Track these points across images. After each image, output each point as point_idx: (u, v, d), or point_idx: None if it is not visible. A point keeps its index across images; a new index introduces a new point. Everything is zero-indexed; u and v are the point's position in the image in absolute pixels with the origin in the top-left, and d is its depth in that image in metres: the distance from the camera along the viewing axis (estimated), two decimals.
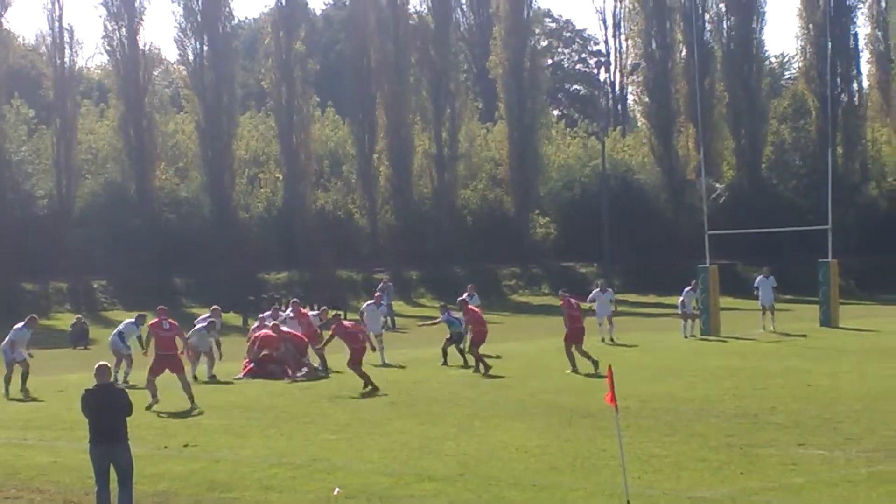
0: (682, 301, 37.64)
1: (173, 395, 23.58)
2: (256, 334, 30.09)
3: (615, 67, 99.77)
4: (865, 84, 69.91)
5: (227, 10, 62.51)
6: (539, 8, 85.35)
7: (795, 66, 79.69)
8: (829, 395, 22.56)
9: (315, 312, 32.66)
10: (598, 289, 37.12)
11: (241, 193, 62.96)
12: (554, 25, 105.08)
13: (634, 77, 77.34)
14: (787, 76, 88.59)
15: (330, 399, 24.09)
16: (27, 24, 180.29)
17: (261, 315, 33.34)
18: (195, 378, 27.86)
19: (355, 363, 25.59)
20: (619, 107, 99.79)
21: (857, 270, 57.85)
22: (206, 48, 61.63)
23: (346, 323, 27.27)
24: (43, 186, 58.64)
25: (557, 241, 67.56)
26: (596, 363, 27.40)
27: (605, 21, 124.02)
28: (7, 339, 27.65)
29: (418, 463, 16.68)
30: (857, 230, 60.66)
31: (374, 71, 64.16)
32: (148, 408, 22.68)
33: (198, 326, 29.28)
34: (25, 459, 18.12)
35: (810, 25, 66.49)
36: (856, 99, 68.45)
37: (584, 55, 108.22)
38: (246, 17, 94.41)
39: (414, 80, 65.38)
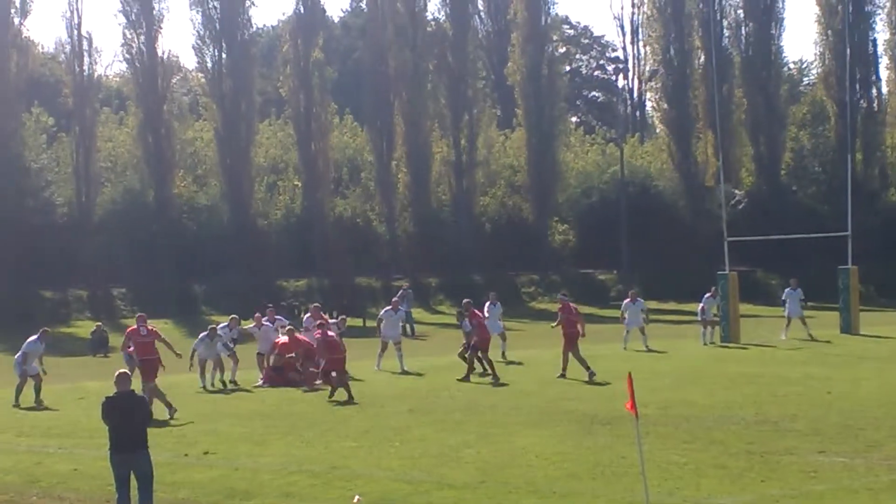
0: (702, 308, 37.59)
1: (192, 402, 23.58)
2: (276, 341, 30.14)
3: (633, 74, 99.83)
4: (884, 90, 69.58)
5: (246, 17, 62.74)
6: (557, 15, 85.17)
7: (814, 72, 79.52)
8: (849, 402, 22.45)
9: (334, 320, 32.60)
10: (628, 299, 37.07)
11: (260, 201, 62.98)
12: (572, 32, 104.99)
13: (653, 83, 77.34)
14: (805, 82, 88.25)
15: (348, 407, 24.09)
16: (46, 33, 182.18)
17: (304, 322, 32.64)
18: (203, 388, 27.98)
19: (326, 373, 25.80)
20: (638, 113, 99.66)
21: (878, 277, 57.65)
22: (224, 56, 61.82)
23: (329, 333, 27.05)
24: (62, 194, 58.81)
25: (576, 248, 67.47)
26: (592, 374, 27.27)
27: (623, 27, 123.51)
28: (20, 352, 27.36)
29: (438, 470, 16.65)
30: (878, 236, 60.26)
31: (393, 78, 64.21)
32: (171, 416, 22.68)
33: (200, 336, 29.33)
34: (46, 467, 18.16)
35: (829, 31, 66.28)
36: (875, 105, 68.28)
37: (602, 62, 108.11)
38: (264, 25, 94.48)
39: (432, 86, 65.38)
